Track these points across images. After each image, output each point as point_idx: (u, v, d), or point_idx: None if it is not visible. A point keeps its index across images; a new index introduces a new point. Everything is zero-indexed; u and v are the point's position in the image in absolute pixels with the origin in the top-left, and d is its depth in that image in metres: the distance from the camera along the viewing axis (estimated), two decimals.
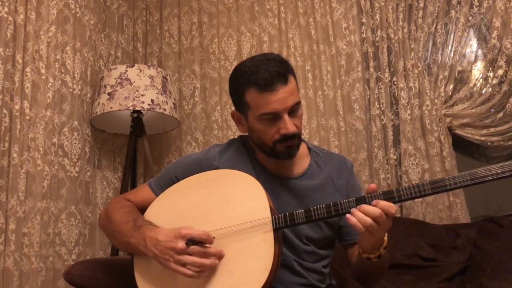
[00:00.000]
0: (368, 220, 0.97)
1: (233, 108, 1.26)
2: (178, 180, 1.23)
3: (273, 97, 1.11)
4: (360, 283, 1.27)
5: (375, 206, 0.98)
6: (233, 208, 1.10)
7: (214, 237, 1.06)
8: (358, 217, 0.98)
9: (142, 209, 1.22)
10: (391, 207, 0.98)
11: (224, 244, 1.06)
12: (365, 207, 0.98)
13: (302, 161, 1.28)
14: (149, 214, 1.19)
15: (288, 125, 1.12)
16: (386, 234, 1.08)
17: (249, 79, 1.13)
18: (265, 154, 1.22)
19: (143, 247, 1.07)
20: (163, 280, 1.09)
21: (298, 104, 1.15)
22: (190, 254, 1.02)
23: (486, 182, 0.95)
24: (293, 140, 1.16)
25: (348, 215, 1.00)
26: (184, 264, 1.02)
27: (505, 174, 0.93)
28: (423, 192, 0.98)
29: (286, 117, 1.12)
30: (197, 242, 1.04)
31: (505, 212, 1.91)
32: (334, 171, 1.29)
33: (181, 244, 1.02)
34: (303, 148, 1.28)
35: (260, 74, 1.11)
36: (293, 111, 1.14)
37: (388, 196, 0.99)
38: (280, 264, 1.06)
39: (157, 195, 1.24)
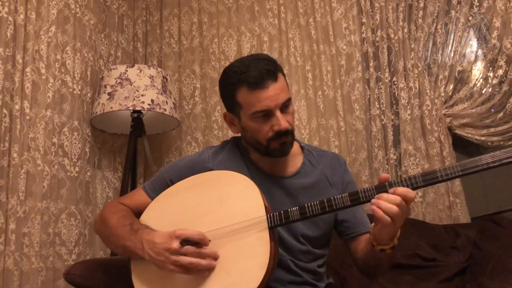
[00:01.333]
0: (394, 208, 0.95)
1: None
2: (173, 183, 1.23)
3: (264, 95, 1.12)
4: (367, 275, 1.25)
5: (393, 193, 0.96)
6: (228, 208, 1.11)
7: (209, 240, 1.06)
8: (383, 206, 0.96)
9: (138, 213, 1.22)
10: (410, 191, 0.97)
11: (220, 244, 1.07)
12: (386, 195, 0.97)
13: (295, 160, 1.28)
14: (145, 218, 1.19)
15: (281, 121, 1.14)
16: None
17: (240, 78, 1.14)
18: (259, 153, 1.23)
19: (140, 250, 1.07)
20: (160, 283, 1.09)
21: (289, 100, 1.17)
22: (185, 255, 1.03)
23: (477, 172, 0.94)
24: (287, 136, 1.17)
25: (374, 208, 0.97)
26: (180, 265, 1.03)
27: (495, 163, 0.93)
28: (415, 184, 0.98)
29: (278, 113, 1.14)
30: (192, 242, 1.04)
31: (505, 209, 1.91)
32: (328, 168, 1.29)
33: (175, 244, 1.03)
34: (295, 147, 1.29)
35: (250, 72, 1.13)
36: (285, 107, 1.16)
37: (380, 190, 1.00)
38: (276, 262, 1.07)
39: (152, 198, 1.24)
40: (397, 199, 0.96)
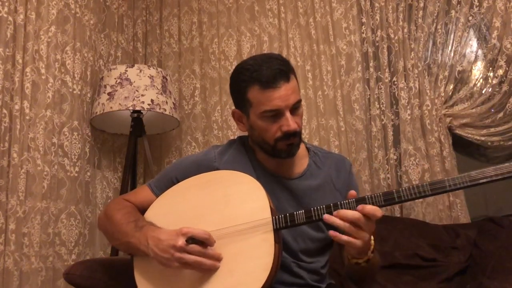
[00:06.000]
0: (346, 225, 0.98)
1: (233, 107, 1.26)
2: (178, 181, 1.23)
3: (275, 94, 1.12)
4: (354, 283, 1.27)
5: (361, 210, 0.98)
6: (233, 209, 1.10)
7: (215, 241, 1.06)
8: (336, 223, 0.99)
9: (142, 210, 1.22)
10: (377, 210, 0.98)
11: (224, 244, 1.07)
12: (344, 212, 0.99)
13: (302, 161, 1.28)
14: (150, 215, 1.19)
15: (290, 122, 1.13)
16: (372, 238, 1.08)
17: (252, 76, 1.14)
18: (265, 153, 1.23)
19: (145, 247, 1.07)
20: (163, 280, 1.09)
21: (299, 102, 1.16)
22: (190, 253, 1.03)
23: (485, 184, 0.95)
24: (295, 138, 1.16)
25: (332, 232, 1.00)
26: (184, 263, 1.02)
27: (504, 175, 0.93)
28: (423, 193, 0.98)
29: (288, 114, 1.13)
30: (197, 241, 1.04)
31: (505, 213, 1.91)
32: (333, 170, 1.29)
33: (181, 242, 1.02)
34: (301, 148, 1.28)
35: (263, 71, 1.12)
36: (295, 109, 1.15)
37: (388, 197, 1.00)
38: (280, 265, 1.06)
39: (157, 196, 1.24)
40: (355, 215, 0.97)
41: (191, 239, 1.03)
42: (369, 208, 0.98)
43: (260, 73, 1.13)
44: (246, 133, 1.29)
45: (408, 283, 1.62)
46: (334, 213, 1.00)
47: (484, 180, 0.94)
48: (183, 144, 2.49)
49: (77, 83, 2.12)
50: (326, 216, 1.00)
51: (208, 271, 1.05)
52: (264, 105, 1.13)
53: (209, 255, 1.04)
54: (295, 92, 1.15)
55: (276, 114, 1.14)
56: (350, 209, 1.01)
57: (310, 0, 2.33)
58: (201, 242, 1.04)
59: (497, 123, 1.95)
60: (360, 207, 0.99)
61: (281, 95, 1.12)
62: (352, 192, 1.04)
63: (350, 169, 1.33)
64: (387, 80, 2.12)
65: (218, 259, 1.05)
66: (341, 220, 0.98)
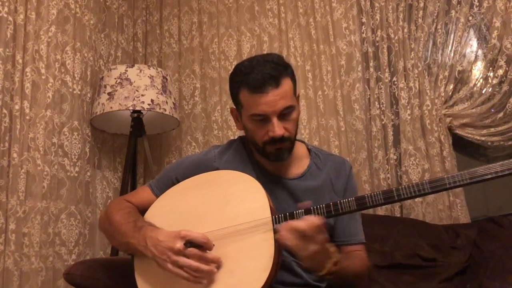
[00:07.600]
0: (292, 237, 0.98)
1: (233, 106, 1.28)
2: (178, 181, 1.23)
3: (262, 99, 1.12)
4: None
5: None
6: (233, 208, 1.10)
7: (214, 244, 1.06)
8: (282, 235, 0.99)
9: (142, 210, 1.22)
10: (315, 220, 0.98)
11: (224, 244, 1.07)
12: (286, 224, 0.99)
13: (302, 162, 1.28)
14: (150, 215, 1.20)
15: (276, 128, 1.12)
16: (334, 248, 1.06)
17: (243, 79, 1.15)
18: (258, 153, 1.24)
19: (143, 248, 1.07)
20: (164, 281, 1.09)
21: (289, 108, 1.15)
22: (188, 257, 1.02)
23: (485, 181, 0.95)
24: (282, 143, 1.16)
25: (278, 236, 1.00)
26: (180, 266, 1.02)
27: (504, 172, 0.93)
28: (422, 191, 0.98)
29: (274, 120, 1.13)
30: (196, 245, 1.04)
31: (505, 212, 1.91)
32: (333, 172, 1.29)
33: (179, 245, 1.02)
34: (302, 149, 1.29)
35: (253, 75, 1.12)
36: (284, 114, 1.14)
37: (387, 195, 1.00)
38: (280, 264, 1.06)
39: (157, 196, 1.24)
40: (300, 226, 0.97)
41: (190, 243, 1.03)
42: (308, 217, 0.99)
43: (249, 77, 1.13)
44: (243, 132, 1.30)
45: (408, 283, 1.62)
46: (281, 224, 1.01)
47: (485, 177, 0.94)
48: (183, 144, 2.49)
49: (77, 83, 2.12)
50: (278, 226, 1.01)
51: (203, 279, 1.04)
52: (252, 109, 1.14)
53: (207, 259, 1.04)
54: (284, 98, 1.13)
55: (263, 119, 1.14)
56: (349, 207, 1.01)
57: (310, 0, 2.33)
58: (200, 246, 1.04)
59: (497, 123, 1.95)
60: (306, 217, 0.99)
61: (268, 100, 1.11)
62: (303, 203, 1.04)
63: (350, 172, 1.33)
64: (387, 80, 2.12)
65: (217, 263, 1.04)
66: (287, 231, 0.98)
